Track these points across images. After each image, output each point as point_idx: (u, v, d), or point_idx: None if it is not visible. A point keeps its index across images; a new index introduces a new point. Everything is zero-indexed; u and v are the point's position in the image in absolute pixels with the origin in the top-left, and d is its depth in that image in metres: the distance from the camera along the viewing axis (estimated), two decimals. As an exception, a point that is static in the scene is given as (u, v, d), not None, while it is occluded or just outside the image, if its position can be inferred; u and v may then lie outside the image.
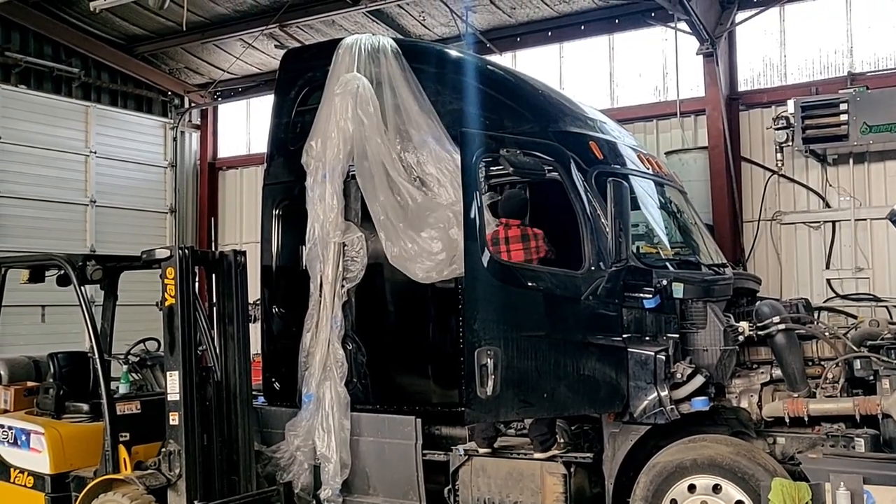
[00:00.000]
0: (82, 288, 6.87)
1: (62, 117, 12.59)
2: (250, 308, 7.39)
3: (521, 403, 6.06)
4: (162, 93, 14.41)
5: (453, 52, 8.08)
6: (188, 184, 14.66)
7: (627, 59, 11.70)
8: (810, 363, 6.42)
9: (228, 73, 13.83)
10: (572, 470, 6.36)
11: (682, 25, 10.49)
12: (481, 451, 6.62)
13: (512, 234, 6.45)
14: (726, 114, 10.55)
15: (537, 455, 6.47)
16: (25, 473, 6.88)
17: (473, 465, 6.70)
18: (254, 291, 7.44)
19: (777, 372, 6.36)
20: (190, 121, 14.85)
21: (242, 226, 14.39)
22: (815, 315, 7.87)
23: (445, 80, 7.41)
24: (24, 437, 6.93)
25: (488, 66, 7.82)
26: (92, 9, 9.97)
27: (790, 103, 9.86)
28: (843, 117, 9.49)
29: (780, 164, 10.30)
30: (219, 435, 6.74)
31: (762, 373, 6.47)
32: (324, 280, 7.35)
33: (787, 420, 6.08)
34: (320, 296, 7.36)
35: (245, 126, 14.92)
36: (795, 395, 6.17)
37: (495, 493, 6.61)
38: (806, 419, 6.03)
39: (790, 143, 9.92)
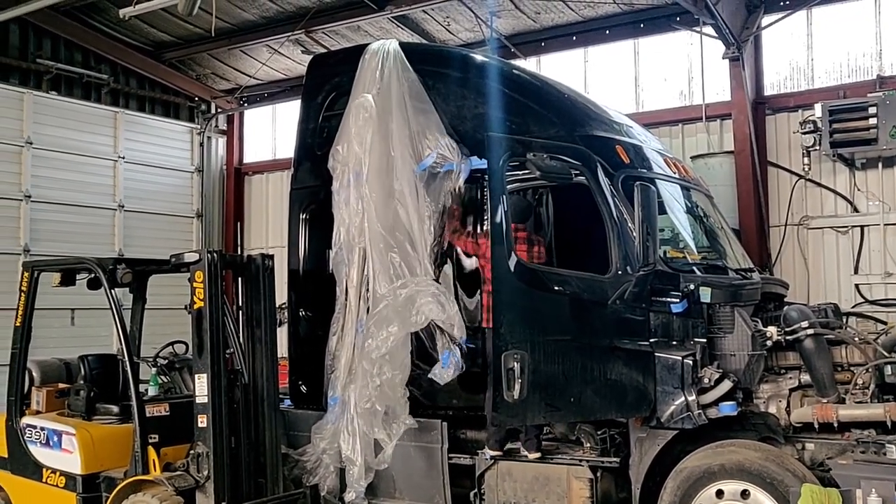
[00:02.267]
0: (112, 291, 6.95)
1: (92, 123, 12.77)
2: (277, 311, 7.44)
3: (548, 407, 6.07)
4: (189, 98, 14.57)
5: (478, 57, 8.08)
6: (215, 188, 14.80)
7: (652, 64, 11.67)
8: (839, 368, 6.35)
9: (255, 78, 13.96)
10: (599, 474, 6.34)
11: (708, 29, 10.45)
12: (492, 453, 6.62)
13: (519, 236, 6.50)
14: (752, 118, 10.49)
15: (531, 456, 6.55)
16: (57, 473, 6.95)
17: (499, 470, 6.70)
18: (280, 295, 7.50)
19: (806, 377, 6.31)
20: (216, 126, 15.00)
21: (268, 230, 14.50)
22: (844, 320, 7.79)
23: (470, 85, 7.41)
24: (56, 438, 7.01)
25: (514, 71, 7.83)
26: (121, 16, 10.13)
27: (818, 107, 9.79)
28: (872, 121, 9.41)
29: (807, 169, 10.23)
30: (246, 437, 6.78)
31: (790, 378, 6.41)
32: (349, 284, 7.38)
33: (817, 426, 6.02)
34: (346, 299, 7.39)
35: (271, 131, 15.04)
36: (825, 400, 6.10)
37: (521, 498, 6.60)
38: (835, 425, 5.96)
39: (817, 147, 9.85)
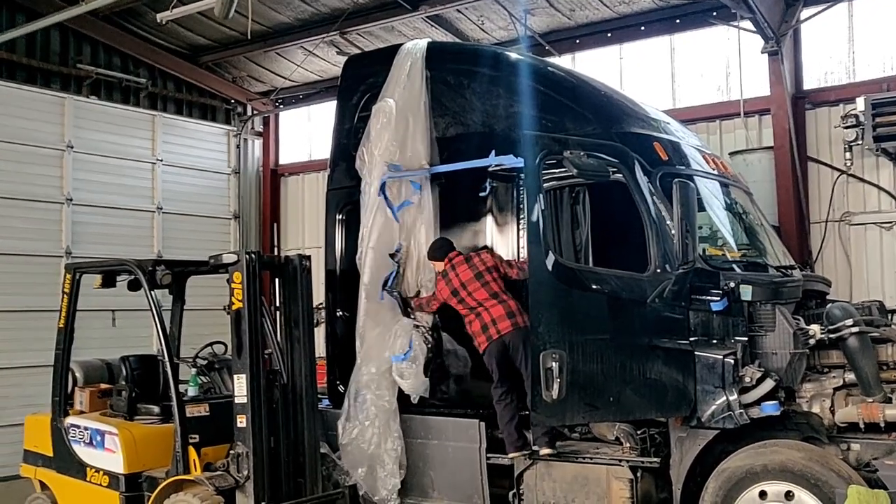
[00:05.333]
0: (152, 292, 7.04)
1: (130, 126, 12.90)
2: (314, 312, 7.48)
3: (587, 407, 6.04)
4: (225, 101, 14.69)
5: (512, 55, 8.07)
6: (251, 190, 14.89)
7: (689, 59, 11.52)
8: (885, 367, 6.21)
9: (290, 80, 14.03)
10: (639, 475, 6.29)
11: (746, 24, 10.30)
12: (545, 451, 6.56)
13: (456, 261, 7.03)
14: (792, 113, 10.31)
15: (512, 455, 6.68)
16: (101, 473, 7.06)
17: (538, 470, 6.67)
18: (317, 296, 7.53)
19: (850, 376, 6.18)
20: (252, 128, 15.10)
21: (304, 231, 14.57)
22: (890, 318, 7.63)
23: (504, 83, 7.40)
24: (99, 438, 7.12)
25: (548, 68, 7.81)
26: (159, 20, 10.24)
27: (860, 101, 9.60)
28: (917, 114, 9.22)
29: (848, 164, 10.04)
30: (285, 437, 6.84)
31: (834, 377, 6.28)
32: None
33: (862, 426, 5.90)
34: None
35: (306, 133, 15.11)
36: (870, 399, 5.98)
37: (560, 498, 6.57)
38: (882, 424, 5.84)
39: (859, 142, 9.67)
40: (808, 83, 10.77)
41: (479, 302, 6.83)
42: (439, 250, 7.22)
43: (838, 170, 10.30)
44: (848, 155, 9.97)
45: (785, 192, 10.20)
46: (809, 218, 10.43)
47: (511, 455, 6.67)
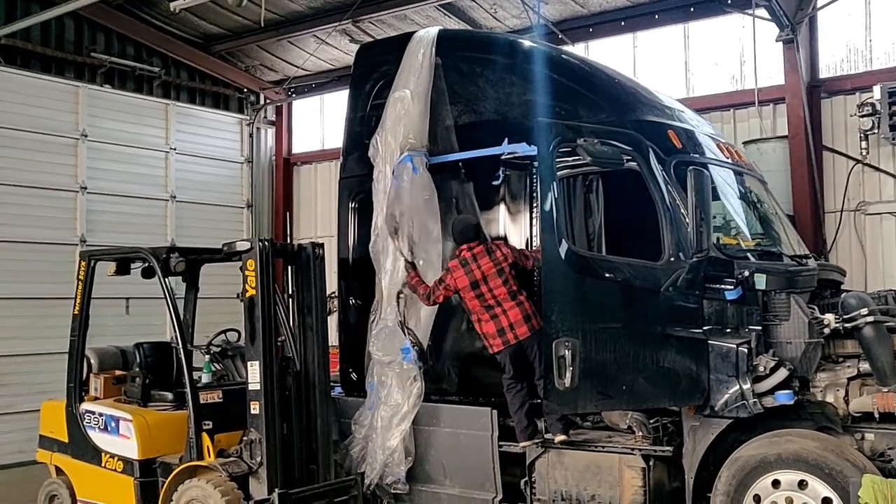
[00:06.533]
0: (166, 280, 7.07)
1: (144, 115, 12.96)
2: (327, 300, 7.50)
3: (600, 395, 6.03)
4: (238, 90, 14.72)
5: (525, 42, 8.04)
6: (264, 179, 14.94)
7: (703, 48, 11.46)
8: (900, 357, 6.20)
9: (302, 69, 14.04)
10: (651, 463, 6.28)
11: (761, 12, 10.21)
12: (559, 438, 6.55)
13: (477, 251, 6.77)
14: (807, 101, 10.24)
15: (523, 444, 6.64)
16: (116, 458, 7.11)
17: (550, 458, 6.67)
18: (330, 284, 7.54)
19: (865, 366, 6.13)
20: (265, 117, 15.12)
21: (317, 220, 14.60)
22: (905, 308, 7.58)
23: (518, 71, 7.37)
24: (113, 424, 7.17)
25: (562, 56, 7.77)
26: (172, 9, 10.24)
27: (876, 89, 9.54)
28: (934, 103, 9.15)
29: (864, 153, 9.97)
30: (298, 424, 6.87)
31: (849, 367, 6.24)
32: (383, 273, 7.43)
33: (877, 415, 5.86)
34: (382, 287, 7.43)
35: (319, 122, 15.13)
36: (885, 389, 5.94)
37: (572, 486, 6.57)
38: (897, 414, 5.83)
39: (876, 131, 9.61)
40: (824, 71, 10.70)
41: (498, 301, 6.69)
42: (466, 231, 6.99)
43: (854, 159, 10.23)
44: (864, 144, 9.90)
45: (800, 182, 10.14)
46: (824, 207, 10.37)
47: (522, 444, 6.67)
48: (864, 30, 10.45)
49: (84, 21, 12.57)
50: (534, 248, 6.85)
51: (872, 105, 9.52)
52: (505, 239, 7.13)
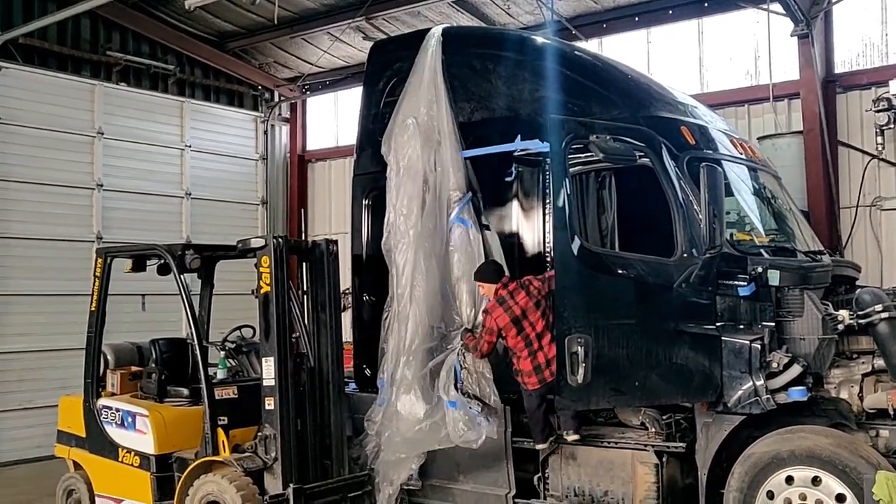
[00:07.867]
0: (181, 276, 7.12)
1: (159, 113, 13.07)
2: (341, 296, 7.52)
3: (612, 391, 6.04)
4: (252, 87, 14.78)
5: (537, 39, 8.03)
6: (278, 176, 15.00)
7: (717, 43, 11.42)
8: (916, 353, 6.16)
9: (316, 66, 14.09)
10: (664, 460, 6.29)
11: (776, 7, 10.18)
12: (570, 439, 6.56)
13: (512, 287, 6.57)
14: (822, 96, 10.19)
15: (539, 445, 6.59)
16: (132, 453, 7.17)
17: (563, 454, 6.68)
18: (344, 281, 7.58)
19: (879, 362, 6.12)
20: (280, 114, 15.19)
21: (331, 217, 14.65)
22: (920, 304, 7.53)
23: (530, 67, 7.36)
24: (130, 419, 7.23)
25: (574, 52, 7.75)
26: (187, 7, 10.29)
27: (892, 84, 9.48)
28: (951, 98, 9.08)
29: (880, 148, 9.91)
30: (312, 420, 6.90)
31: (863, 363, 6.23)
32: (397, 269, 7.42)
33: (892, 412, 5.86)
34: (395, 284, 7.44)
35: (333, 119, 15.17)
36: (900, 386, 5.95)
37: (585, 482, 6.58)
38: (912, 411, 5.81)
39: (892, 126, 9.57)
40: (839, 66, 10.64)
41: (539, 334, 6.48)
42: (493, 273, 6.72)
43: (869, 154, 10.18)
44: (879, 139, 9.85)
45: (814, 177, 10.10)
46: (839, 203, 10.32)
47: (538, 446, 6.66)
48: (879, 24, 10.38)
49: (100, 20, 12.67)
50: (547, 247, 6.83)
51: (888, 100, 9.47)
52: (517, 236, 7.13)
